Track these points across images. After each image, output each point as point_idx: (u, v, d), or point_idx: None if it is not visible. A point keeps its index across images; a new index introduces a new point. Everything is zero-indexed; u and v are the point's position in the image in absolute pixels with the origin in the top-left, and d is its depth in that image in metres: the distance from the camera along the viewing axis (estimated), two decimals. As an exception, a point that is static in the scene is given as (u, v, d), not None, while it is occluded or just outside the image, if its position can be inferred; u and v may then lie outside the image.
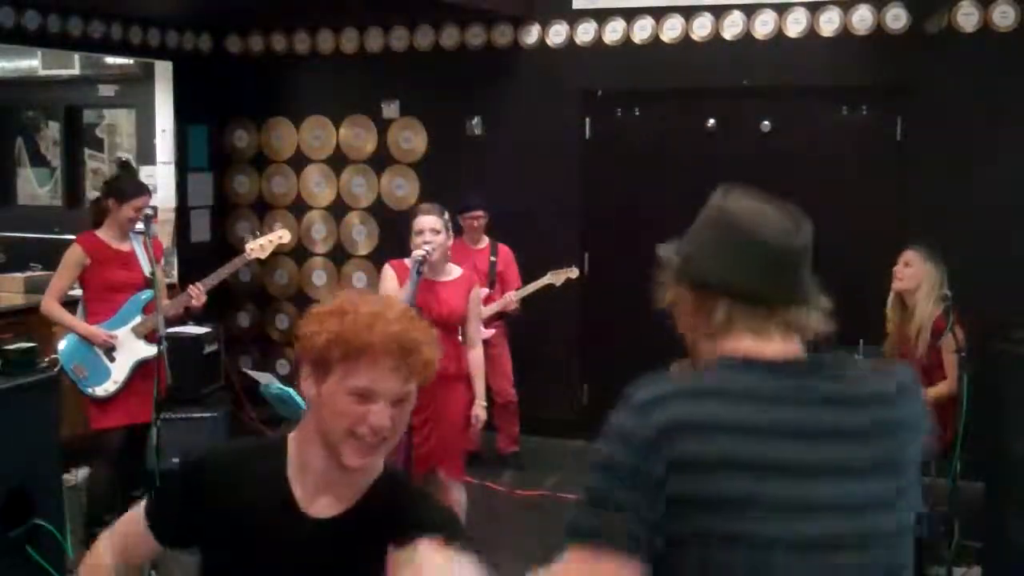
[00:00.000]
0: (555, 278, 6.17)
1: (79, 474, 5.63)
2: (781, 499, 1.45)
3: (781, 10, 6.28)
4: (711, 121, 6.56)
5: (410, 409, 1.76)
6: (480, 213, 6.07)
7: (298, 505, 1.80)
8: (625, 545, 1.42)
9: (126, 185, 4.89)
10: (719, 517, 1.43)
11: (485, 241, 6.16)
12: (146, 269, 4.71)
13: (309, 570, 1.77)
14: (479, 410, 4.49)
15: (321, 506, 1.80)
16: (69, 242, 4.93)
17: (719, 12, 6.39)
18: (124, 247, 4.83)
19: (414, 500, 1.83)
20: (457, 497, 4.57)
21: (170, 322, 4.99)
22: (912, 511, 1.56)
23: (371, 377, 1.69)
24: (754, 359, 1.53)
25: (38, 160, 8.12)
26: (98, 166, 7.93)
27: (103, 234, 4.82)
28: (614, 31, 6.62)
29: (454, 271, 4.51)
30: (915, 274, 4.84)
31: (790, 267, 1.56)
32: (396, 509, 1.79)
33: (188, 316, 5.33)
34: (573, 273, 6.21)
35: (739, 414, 1.46)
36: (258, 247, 5.09)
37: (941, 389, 4.71)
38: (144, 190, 4.91)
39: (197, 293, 4.86)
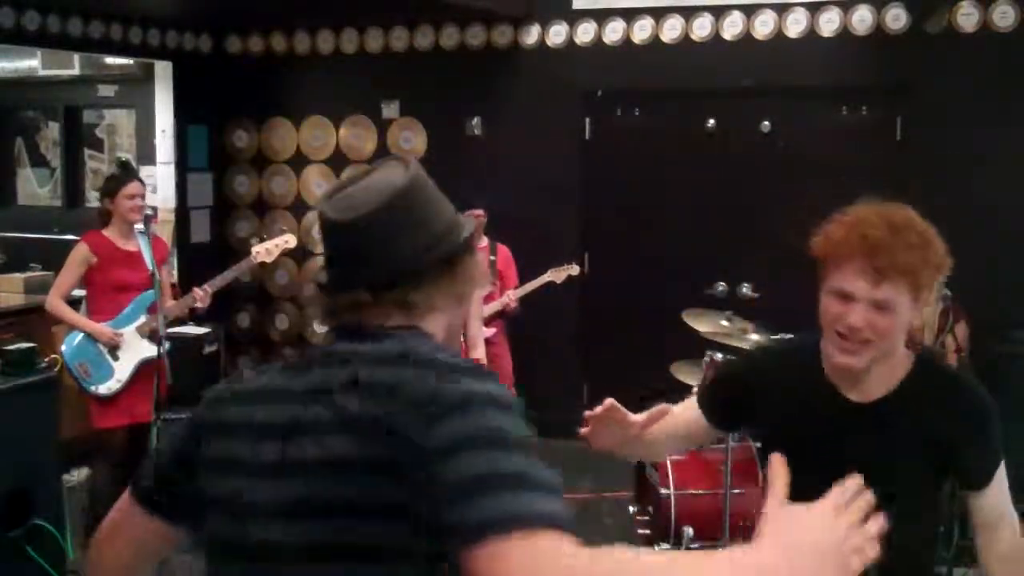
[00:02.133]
0: (556, 275, 6.16)
1: (79, 474, 5.63)
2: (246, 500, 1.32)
3: (781, 10, 6.28)
4: (711, 121, 6.56)
5: (898, 319, 1.89)
6: (481, 212, 6.06)
7: (838, 390, 2.02)
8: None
9: (113, 181, 4.93)
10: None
11: (484, 241, 6.15)
12: (151, 268, 4.72)
13: (851, 446, 1.96)
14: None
15: (858, 393, 2.01)
16: (69, 242, 4.95)
17: (719, 12, 6.39)
18: (130, 246, 4.85)
19: (949, 387, 2.03)
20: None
21: (172, 322, 5.00)
22: None
23: (844, 278, 1.87)
24: None
25: (38, 160, 8.12)
26: (98, 166, 7.93)
27: (109, 233, 4.84)
28: (614, 31, 6.62)
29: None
30: None
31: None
32: (932, 395, 1.99)
33: (191, 316, 5.35)
34: (574, 270, 6.20)
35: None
36: (264, 251, 5.11)
37: None
38: (131, 176, 4.93)
39: (202, 296, 4.87)
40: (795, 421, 2.06)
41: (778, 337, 4.79)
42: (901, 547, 1.51)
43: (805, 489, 1.23)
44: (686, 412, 2.26)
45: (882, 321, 1.87)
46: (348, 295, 1.38)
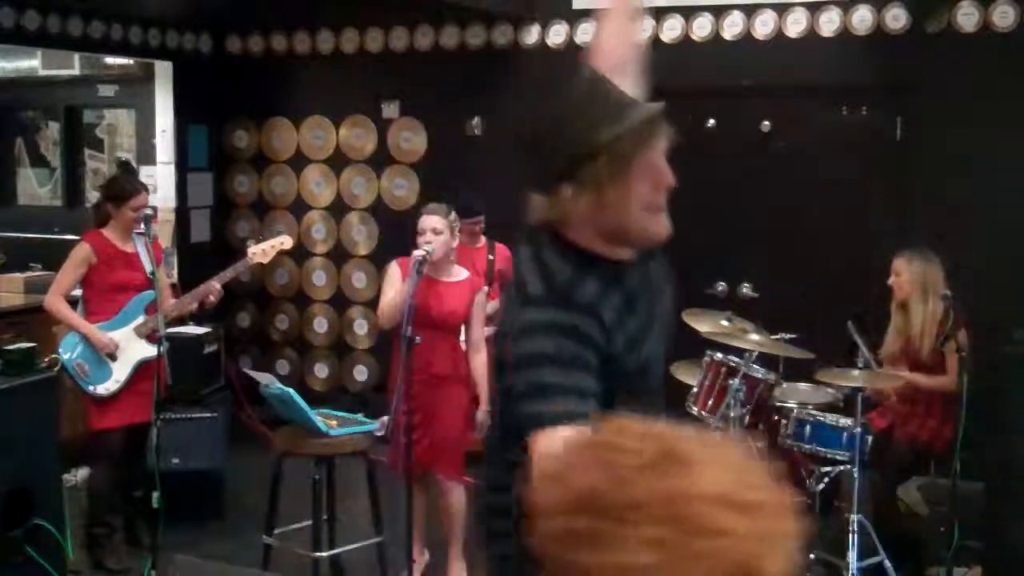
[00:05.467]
0: None
1: (79, 474, 5.64)
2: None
3: (781, 10, 6.28)
4: (711, 121, 6.56)
5: None
6: (482, 219, 6.05)
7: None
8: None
9: (122, 187, 4.91)
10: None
11: (482, 241, 6.15)
12: (148, 269, 4.72)
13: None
14: (483, 415, 4.48)
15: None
16: (69, 242, 4.95)
17: (719, 12, 6.38)
18: (128, 248, 4.86)
19: None
20: (456, 498, 4.57)
21: (171, 322, 5.01)
22: None
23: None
24: None
25: (38, 160, 8.12)
26: (98, 166, 7.93)
27: (109, 234, 4.85)
28: (614, 31, 6.60)
29: (459, 273, 4.51)
30: (906, 281, 4.89)
31: None
32: None
33: (191, 316, 5.36)
34: None
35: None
36: (260, 252, 5.11)
37: (941, 381, 4.76)
38: (140, 188, 4.92)
39: (216, 290, 4.92)
40: None
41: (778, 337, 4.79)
42: None
43: None
44: None
45: None
46: None
